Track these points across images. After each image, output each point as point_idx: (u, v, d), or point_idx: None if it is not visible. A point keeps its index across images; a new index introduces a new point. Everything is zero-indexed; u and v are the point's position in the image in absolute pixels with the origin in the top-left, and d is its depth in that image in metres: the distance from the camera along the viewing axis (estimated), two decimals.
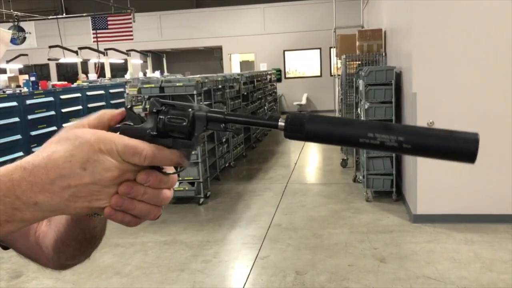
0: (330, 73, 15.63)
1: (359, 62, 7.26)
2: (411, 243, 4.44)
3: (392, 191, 5.67)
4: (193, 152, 0.62)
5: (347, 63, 7.46)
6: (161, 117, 0.60)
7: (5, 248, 0.91)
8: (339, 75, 9.63)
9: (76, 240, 0.77)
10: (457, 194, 4.81)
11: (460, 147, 0.54)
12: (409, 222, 4.96)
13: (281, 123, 0.58)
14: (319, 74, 16.92)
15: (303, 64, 17.14)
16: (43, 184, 0.53)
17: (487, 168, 4.68)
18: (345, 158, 7.70)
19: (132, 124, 0.61)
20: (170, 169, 0.62)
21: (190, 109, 0.60)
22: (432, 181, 4.83)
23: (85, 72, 14.59)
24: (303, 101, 16.58)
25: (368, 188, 5.80)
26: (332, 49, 13.21)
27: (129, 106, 0.62)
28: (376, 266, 3.99)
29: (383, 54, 7.12)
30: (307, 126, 0.57)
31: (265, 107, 11.60)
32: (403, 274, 3.82)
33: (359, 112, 6.40)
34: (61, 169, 0.53)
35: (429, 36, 4.67)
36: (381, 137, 0.54)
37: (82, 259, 0.85)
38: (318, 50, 16.70)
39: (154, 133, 0.59)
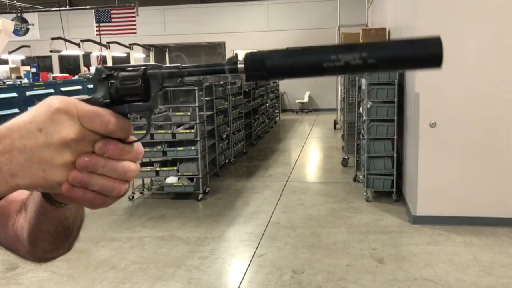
0: None
1: None
2: (410, 244, 4.40)
3: (392, 192, 5.63)
4: (154, 113, 0.58)
5: None
6: (112, 81, 0.56)
7: None
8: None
9: (49, 233, 0.73)
10: (457, 196, 4.77)
11: (425, 52, 0.52)
12: (408, 223, 4.92)
13: (240, 65, 0.55)
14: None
15: None
16: (5, 145, 0.52)
17: (488, 170, 4.64)
18: (346, 157, 7.66)
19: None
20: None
21: (141, 69, 0.56)
22: (432, 182, 4.79)
23: (88, 65, 14.56)
24: (305, 99, 16.53)
25: (368, 188, 5.76)
26: (381, 41, 13.16)
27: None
28: (374, 266, 3.96)
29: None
30: (267, 63, 0.53)
31: (267, 104, 11.56)
32: (401, 275, 3.78)
33: (361, 111, 6.36)
34: (21, 130, 0.52)
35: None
36: (344, 57, 0.52)
37: (61, 252, 0.81)
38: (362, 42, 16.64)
39: (107, 100, 0.55)
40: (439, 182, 4.79)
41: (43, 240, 0.75)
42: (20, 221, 0.80)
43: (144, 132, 0.62)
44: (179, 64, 0.57)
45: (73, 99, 0.54)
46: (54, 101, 0.53)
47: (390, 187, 5.63)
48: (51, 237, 0.74)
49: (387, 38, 7.31)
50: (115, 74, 0.56)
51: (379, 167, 5.67)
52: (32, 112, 0.53)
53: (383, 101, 5.59)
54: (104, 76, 0.56)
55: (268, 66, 0.53)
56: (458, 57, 4.56)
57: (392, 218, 5.09)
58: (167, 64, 0.57)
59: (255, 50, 0.55)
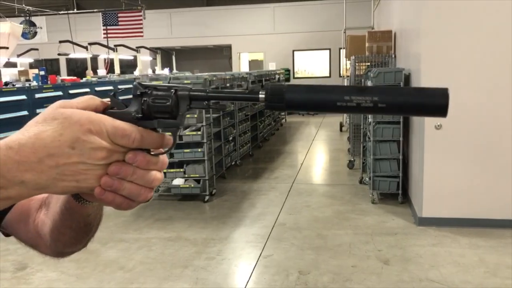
0: (339, 74, 15.60)
1: (368, 64, 7.23)
2: (415, 246, 4.42)
3: (398, 194, 5.64)
4: (179, 132, 0.63)
5: (356, 64, 7.44)
6: (145, 99, 0.60)
7: (7, 235, 0.92)
8: (348, 76, 9.62)
9: (71, 228, 0.78)
10: (463, 198, 4.78)
11: (432, 102, 0.56)
12: (414, 225, 4.94)
13: (261, 95, 0.59)
14: (328, 75, 16.88)
15: (312, 64, 17.11)
16: (30, 163, 0.53)
17: (494, 173, 4.65)
18: (352, 159, 7.68)
19: (116, 110, 0.61)
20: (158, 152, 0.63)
21: (172, 89, 0.61)
22: (438, 184, 4.80)
23: (95, 67, 14.66)
24: None
25: (374, 190, 5.78)
26: (341, 50, 13.18)
27: (112, 93, 0.63)
28: (379, 268, 3.98)
29: (393, 56, 7.09)
30: (286, 96, 0.58)
31: None
32: (407, 276, 3.80)
33: None
34: (49, 148, 0.54)
35: (438, 38, 4.64)
36: (356, 99, 0.56)
37: (79, 247, 0.86)
38: (328, 51, 16.66)
39: (139, 115, 0.60)
40: (444, 184, 4.80)
41: (65, 235, 0.80)
42: (41, 217, 0.85)
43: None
44: (206, 88, 0.62)
45: (101, 117, 0.57)
46: (84, 119, 0.56)
47: (396, 189, 5.64)
48: (73, 232, 0.79)
49: (392, 40, 7.34)
50: (149, 92, 0.61)
51: (385, 169, 5.68)
52: (56, 129, 0.55)
53: None
54: (138, 93, 0.61)
55: (286, 99, 0.58)
56: (463, 59, 4.58)
57: (398, 220, 5.11)
58: (196, 88, 0.62)
59: (276, 83, 0.59)
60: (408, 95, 0.56)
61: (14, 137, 0.55)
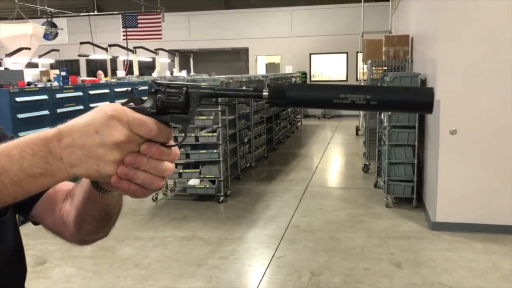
0: (356, 77, 15.57)
1: (385, 68, 7.24)
2: (428, 250, 4.42)
3: (412, 198, 5.64)
4: (190, 125, 0.70)
5: (373, 68, 7.45)
6: (159, 96, 0.67)
7: (36, 223, 1.00)
8: (365, 80, 9.62)
9: (93, 217, 0.86)
10: (477, 204, 4.77)
11: (418, 100, 0.62)
12: (427, 229, 4.94)
13: (265, 93, 0.65)
14: (345, 78, 16.87)
15: (329, 67, 17.11)
16: (67, 141, 0.63)
17: (509, 178, 4.63)
18: (367, 163, 7.68)
19: (133, 105, 0.68)
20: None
21: (184, 87, 0.68)
22: (452, 189, 4.80)
23: (114, 69, 14.87)
24: None
25: (388, 194, 5.79)
26: (359, 54, 13.17)
27: (130, 89, 0.70)
28: (391, 271, 4.00)
29: (410, 61, 7.09)
30: (288, 93, 0.64)
31: (289, 110, 11.62)
32: (419, 280, 3.82)
33: (382, 117, 6.39)
34: (81, 131, 0.63)
35: (454, 43, 4.65)
36: (351, 97, 0.62)
37: (101, 236, 0.94)
38: (345, 54, 16.65)
39: (154, 110, 0.67)
40: (459, 189, 4.80)
41: (88, 223, 0.88)
42: (66, 207, 0.92)
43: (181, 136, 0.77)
44: (215, 86, 0.69)
45: (124, 108, 0.65)
46: (109, 108, 0.64)
47: (411, 194, 5.64)
48: (95, 221, 0.87)
49: (409, 45, 7.33)
50: (162, 89, 0.68)
51: (400, 173, 5.69)
52: (90, 116, 0.64)
53: None
54: (153, 90, 0.68)
55: (287, 97, 0.64)
56: (479, 64, 4.58)
57: (412, 224, 5.11)
58: (206, 85, 0.69)
59: (278, 82, 0.66)
60: (398, 93, 0.62)
61: (63, 124, 0.65)
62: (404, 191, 5.68)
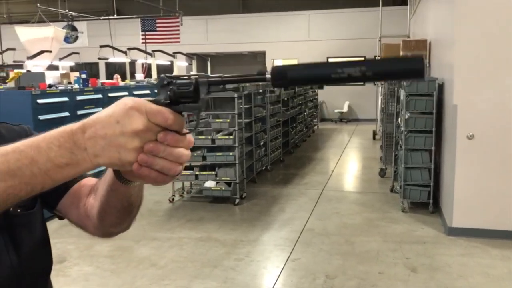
0: (374, 82, 15.50)
1: None
2: (444, 255, 4.40)
3: (429, 203, 5.61)
4: (201, 113, 0.75)
5: None
6: (171, 87, 0.72)
7: (61, 218, 1.06)
8: (382, 84, 9.59)
9: (116, 208, 0.91)
10: (494, 209, 4.73)
11: (410, 67, 0.67)
12: (444, 234, 4.91)
13: (268, 75, 0.70)
14: (362, 83, 16.78)
15: None
16: (90, 132, 0.68)
17: None
18: (384, 167, 7.66)
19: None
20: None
21: (193, 78, 0.73)
22: (469, 194, 4.77)
23: (132, 72, 15.06)
24: (345, 109, 16.51)
25: (404, 198, 5.77)
26: (376, 58, 13.13)
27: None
28: (406, 275, 4.00)
29: (427, 65, 7.06)
30: (289, 74, 0.69)
31: (305, 113, 11.64)
32: (434, 284, 3.81)
33: (399, 122, 6.37)
34: (103, 122, 0.68)
35: (471, 48, 4.63)
36: (348, 70, 0.67)
37: (123, 228, 0.99)
38: (362, 59, 16.56)
39: (167, 101, 0.72)
40: (476, 195, 4.76)
41: (111, 215, 0.93)
42: (90, 201, 0.98)
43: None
44: (222, 75, 0.74)
45: (142, 100, 0.71)
46: (128, 101, 0.70)
47: (427, 198, 5.62)
48: (117, 212, 0.92)
49: (427, 49, 7.30)
50: (173, 81, 0.73)
51: (416, 178, 5.67)
52: (112, 108, 0.70)
53: (421, 112, 5.61)
54: (165, 82, 0.73)
55: (289, 77, 0.69)
56: (497, 68, 4.55)
57: (428, 229, 5.09)
58: (213, 75, 0.75)
59: (279, 65, 0.70)
60: (390, 63, 0.68)
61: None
62: (421, 196, 5.66)
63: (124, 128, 0.68)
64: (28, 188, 0.67)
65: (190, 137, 0.75)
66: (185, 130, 0.74)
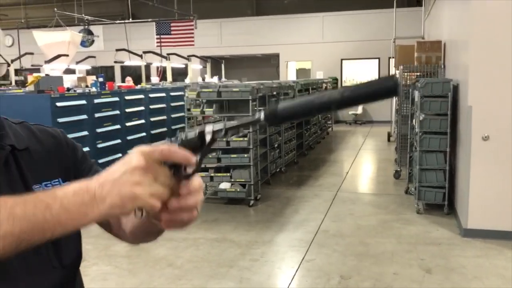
0: None
1: (418, 74, 7.22)
2: (459, 256, 4.40)
3: (444, 204, 5.60)
4: (208, 156, 0.83)
5: (404, 74, 7.43)
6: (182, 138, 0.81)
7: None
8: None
9: (145, 232, 1.05)
10: (510, 211, 4.70)
11: (385, 86, 0.73)
12: (459, 236, 4.90)
13: (262, 117, 0.78)
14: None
15: (360, 73, 17.03)
16: (99, 179, 0.74)
17: None
18: (399, 169, 7.65)
19: None
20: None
21: (198, 130, 0.80)
22: (484, 196, 4.76)
23: (148, 75, 15.22)
24: (359, 111, 16.46)
25: (419, 200, 5.76)
26: (391, 59, 13.09)
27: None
28: (421, 276, 4.00)
29: (442, 66, 7.04)
30: (279, 114, 0.77)
31: (319, 115, 11.64)
32: (448, 285, 3.81)
33: (414, 123, 6.37)
34: (111, 170, 0.75)
35: (486, 49, 4.62)
36: (327, 103, 0.75)
37: (151, 239, 1.12)
38: (377, 60, 16.55)
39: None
40: (491, 196, 4.75)
41: (140, 235, 1.08)
42: (124, 221, 1.10)
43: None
44: (225, 122, 0.81)
45: (146, 147, 0.78)
46: (134, 150, 0.76)
47: (442, 200, 5.61)
48: (146, 234, 1.08)
49: (442, 50, 7.28)
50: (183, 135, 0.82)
51: (431, 179, 5.66)
52: (120, 162, 0.77)
53: (436, 114, 5.61)
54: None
55: (279, 117, 0.78)
56: (511, 70, 4.54)
57: (443, 231, 5.08)
58: (215, 124, 0.82)
59: (271, 107, 0.79)
60: (365, 87, 0.74)
61: None
62: (436, 197, 5.65)
63: (126, 167, 0.73)
64: (40, 235, 0.73)
65: (196, 181, 0.80)
66: (189, 170, 0.79)
